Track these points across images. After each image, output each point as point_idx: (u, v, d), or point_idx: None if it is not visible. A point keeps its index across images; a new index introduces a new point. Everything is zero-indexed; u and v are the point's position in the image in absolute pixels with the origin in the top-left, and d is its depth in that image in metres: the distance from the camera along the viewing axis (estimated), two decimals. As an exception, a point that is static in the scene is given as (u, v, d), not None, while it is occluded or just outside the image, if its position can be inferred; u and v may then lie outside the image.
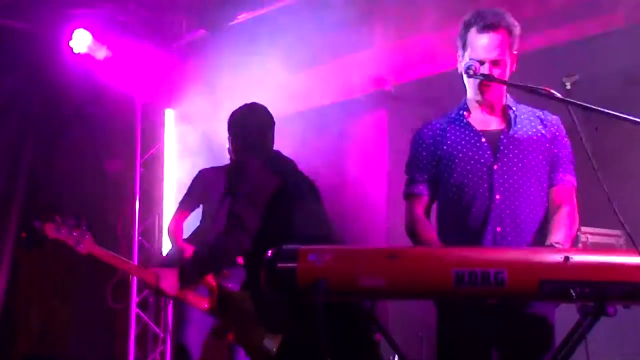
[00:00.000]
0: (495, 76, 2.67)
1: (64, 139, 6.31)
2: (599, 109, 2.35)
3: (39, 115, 6.15)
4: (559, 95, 2.39)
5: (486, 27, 2.69)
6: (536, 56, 4.39)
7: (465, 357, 2.65)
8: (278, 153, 3.40)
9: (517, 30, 2.74)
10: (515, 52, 2.76)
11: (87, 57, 5.75)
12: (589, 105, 2.36)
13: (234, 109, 3.48)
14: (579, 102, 2.36)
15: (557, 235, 2.57)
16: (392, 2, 5.08)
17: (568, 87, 4.81)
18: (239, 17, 5.46)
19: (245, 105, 3.48)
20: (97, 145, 6.38)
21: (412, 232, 2.75)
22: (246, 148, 3.40)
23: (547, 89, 2.41)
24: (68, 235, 3.60)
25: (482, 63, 2.68)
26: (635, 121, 2.30)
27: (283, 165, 3.32)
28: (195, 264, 3.29)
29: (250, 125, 3.42)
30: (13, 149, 6.08)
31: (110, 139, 6.43)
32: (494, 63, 2.69)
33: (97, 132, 6.29)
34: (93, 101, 6.04)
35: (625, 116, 2.31)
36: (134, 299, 6.26)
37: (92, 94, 5.96)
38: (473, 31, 2.71)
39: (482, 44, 2.69)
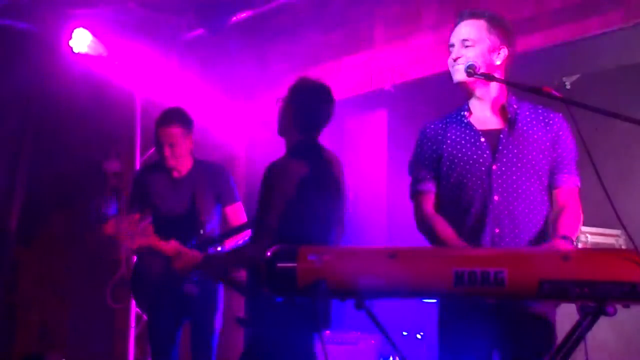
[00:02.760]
0: (470, 56, 2.69)
1: (64, 138, 6.31)
2: (599, 108, 2.35)
3: (39, 114, 6.15)
4: (559, 95, 2.39)
5: (463, 17, 2.77)
6: (536, 56, 4.39)
7: (465, 357, 2.65)
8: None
9: (501, 21, 2.76)
10: (504, 43, 2.73)
11: (86, 56, 5.75)
12: (589, 105, 2.37)
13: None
14: (578, 102, 2.36)
15: (562, 230, 2.57)
16: (393, 1, 5.08)
17: (568, 87, 4.82)
18: (238, 15, 5.45)
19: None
20: (96, 145, 6.38)
21: (429, 229, 2.70)
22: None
23: (547, 88, 2.41)
24: (126, 231, 3.67)
25: (452, 46, 2.75)
26: (635, 121, 2.30)
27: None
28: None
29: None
30: (13, 148, 6.09)
31: (110, 139, 6.44)
32: (463, 43, 2.72)
33: (96, 132, 6.30)
34: (92, 100, 6.04)
35: (625, 116, 2.31)
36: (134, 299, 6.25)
37: (92, 93, 5.96)
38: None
39: (455, 30, 2.77)
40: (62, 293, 6.43)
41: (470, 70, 2.64)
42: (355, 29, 5.33)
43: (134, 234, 3.69)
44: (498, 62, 2.72)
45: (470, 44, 2.72)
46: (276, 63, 5.68)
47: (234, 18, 5.42)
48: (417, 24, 4.96)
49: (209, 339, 4.27)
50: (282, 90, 3.27)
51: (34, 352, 6.24)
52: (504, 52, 2.73)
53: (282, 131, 3.26)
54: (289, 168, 3.09)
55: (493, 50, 2.72)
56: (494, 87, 2.75)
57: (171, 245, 3.60)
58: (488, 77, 2.66)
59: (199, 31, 5.72)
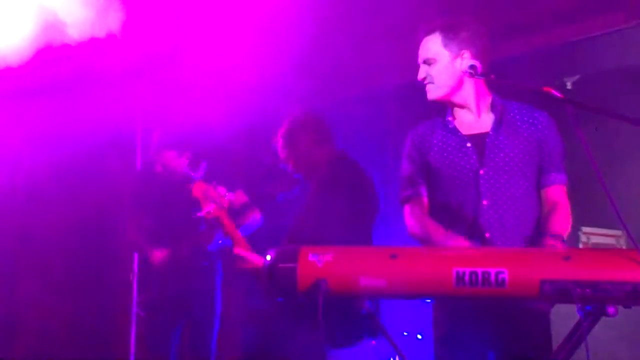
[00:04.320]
0: (433, 74, 2.74)
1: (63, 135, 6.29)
2: (599, 108, 2.36)
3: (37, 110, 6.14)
4: (559, 95, 2.39)
5: (421, 35, 2.81)
6: (536, 56, 4.39)
7: (461, 357, 2.64)
8: None
9: (455, 26, 2.77)
10: (463, 48, 2.74)
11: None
12: (589, 105, 2.37)
13: None
14: (579, 102, 2.36)
15: (552, 229, 2.57)
16: (392, 2, 5.08)
17: (568, 87, 4.82)
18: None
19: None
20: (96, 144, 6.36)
21: (424, 234, 2.71)
22: None
23: (547, 88, 2.41)
24: (212, 197, 3.59)
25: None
26: (635, 121, 2.30)
27: None
28: None
29: None
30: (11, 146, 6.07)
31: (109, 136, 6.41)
32: (425, 62, 2.78)
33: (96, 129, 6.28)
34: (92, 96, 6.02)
35: (625, 116, 2.31)
36: (134, 298, 6.25)
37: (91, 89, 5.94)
38: None
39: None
40: (63, 294, 6.42)
41: (472, 71, 2.66)
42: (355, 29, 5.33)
43: (216, 203, 3.62)
44: (464, 68, 2.73)
45: (431, 61, 2.77)
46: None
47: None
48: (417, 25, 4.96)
49: (208, 338, 4.28)
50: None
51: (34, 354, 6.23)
52: (467, 55, 2.74)
53: (317, 154, 3.36)
54: (357, 178, 3.18)
55: (454, 58, 2.74)
56: (469, 91, 2.76)
57: (244, 242, 3.35)
58: (487, 77, 2.67)
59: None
